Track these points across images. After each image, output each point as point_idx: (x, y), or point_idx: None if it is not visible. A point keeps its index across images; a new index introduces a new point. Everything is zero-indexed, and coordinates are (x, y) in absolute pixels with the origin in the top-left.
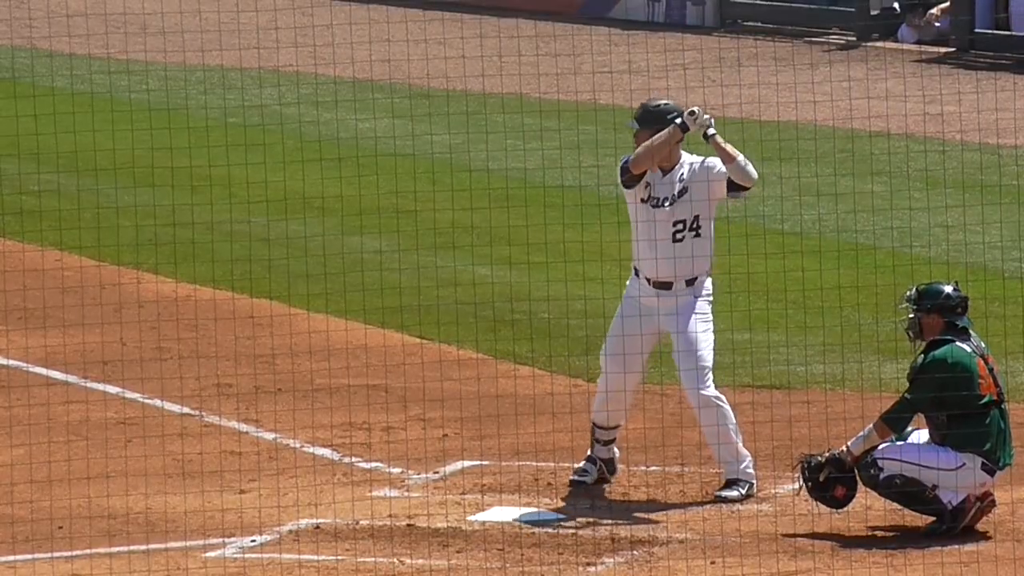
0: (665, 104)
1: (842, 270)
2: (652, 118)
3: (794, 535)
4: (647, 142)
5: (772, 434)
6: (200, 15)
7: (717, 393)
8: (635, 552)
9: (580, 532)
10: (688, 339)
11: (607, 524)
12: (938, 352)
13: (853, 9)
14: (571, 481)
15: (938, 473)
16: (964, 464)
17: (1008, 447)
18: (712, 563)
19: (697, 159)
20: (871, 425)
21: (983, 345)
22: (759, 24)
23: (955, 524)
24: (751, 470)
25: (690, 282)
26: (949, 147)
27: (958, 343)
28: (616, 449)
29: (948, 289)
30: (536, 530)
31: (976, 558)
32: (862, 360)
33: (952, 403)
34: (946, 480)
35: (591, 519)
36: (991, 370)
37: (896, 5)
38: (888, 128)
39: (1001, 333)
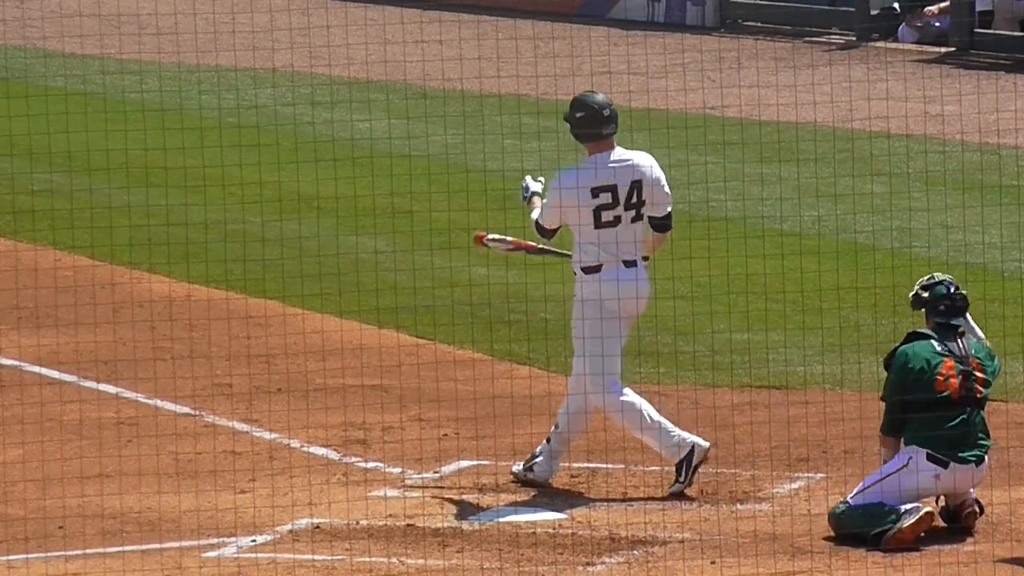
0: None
1: (841, 270)
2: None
3: (794, 535)
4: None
5: (771, 434)
6: (197, 15)
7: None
8: (635, 552)
9: (580, 532)
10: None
11: (607, 524)
12: (900, 349)
13: (853, 9)
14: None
15: (890, 478)
16: (909, 459)
17: (971, 448)
18: (712, 563)
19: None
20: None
21: (969, 349)
22: (759, 24)
23: (903, 525)
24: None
25: None
26: (949, 147)
27: (931, 340)
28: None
29: (939, 286)
30: (535, 530)
31: (975, 558)
32: (861, 360)
33: (914, 399)
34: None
35: (591, 519)
36: (965, 372)
37: (896, 5)
38: (888, 128)
39: (1001, 333)
